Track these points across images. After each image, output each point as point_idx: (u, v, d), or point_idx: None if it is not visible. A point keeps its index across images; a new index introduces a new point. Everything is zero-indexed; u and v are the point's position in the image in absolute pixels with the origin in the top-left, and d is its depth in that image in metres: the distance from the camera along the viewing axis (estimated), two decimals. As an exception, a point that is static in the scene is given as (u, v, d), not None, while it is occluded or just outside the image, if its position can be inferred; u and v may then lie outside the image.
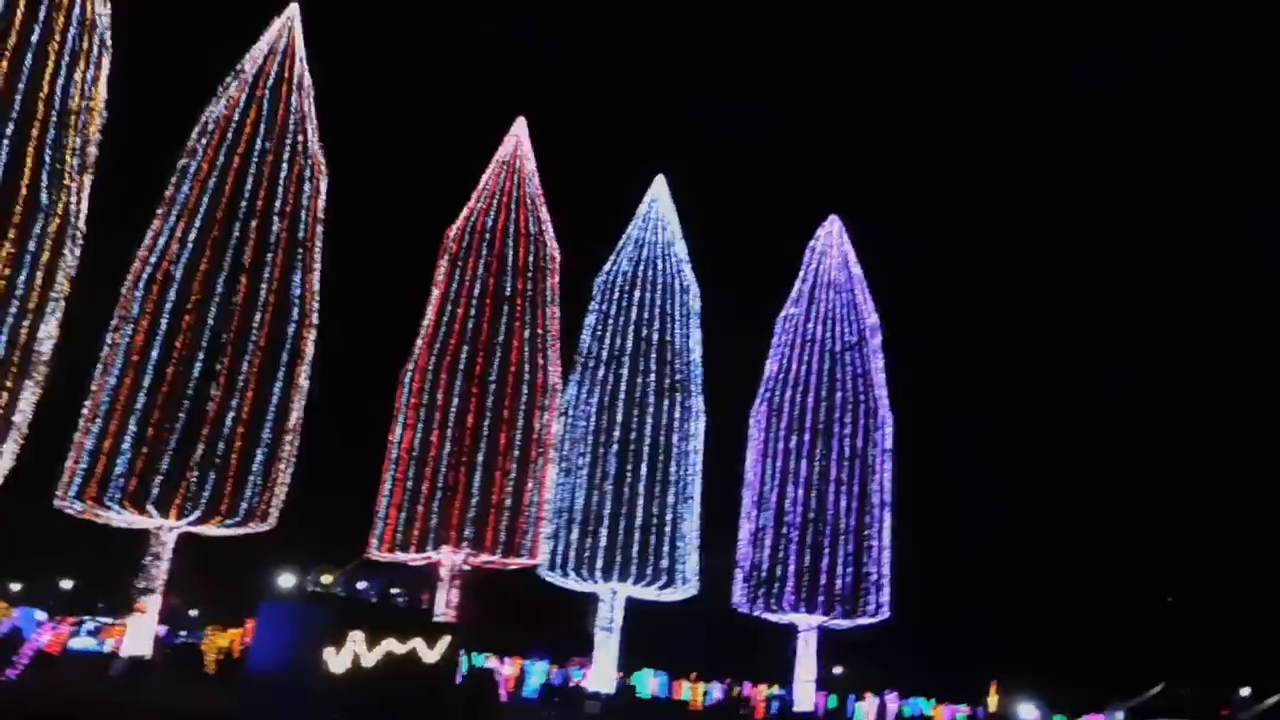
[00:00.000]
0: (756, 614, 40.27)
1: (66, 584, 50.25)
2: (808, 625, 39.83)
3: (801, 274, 44.84)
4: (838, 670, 53.76)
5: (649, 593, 38.51)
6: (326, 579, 18.72)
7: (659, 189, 43.90)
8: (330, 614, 16.71)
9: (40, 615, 32.68)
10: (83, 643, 34.92)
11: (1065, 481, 51.21)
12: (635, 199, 43.91)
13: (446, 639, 17.98)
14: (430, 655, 17.62)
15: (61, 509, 28.38)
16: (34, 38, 23.67)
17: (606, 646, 38.09)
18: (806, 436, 41.04)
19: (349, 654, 16.06)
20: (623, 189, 44.97)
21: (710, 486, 41.28)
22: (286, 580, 29.82)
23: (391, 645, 16.81)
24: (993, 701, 45.87)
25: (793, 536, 39.99)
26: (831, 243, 45.03)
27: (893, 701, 47.37)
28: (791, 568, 39.63)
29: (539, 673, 39.46)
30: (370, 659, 16.44)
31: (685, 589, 39.13)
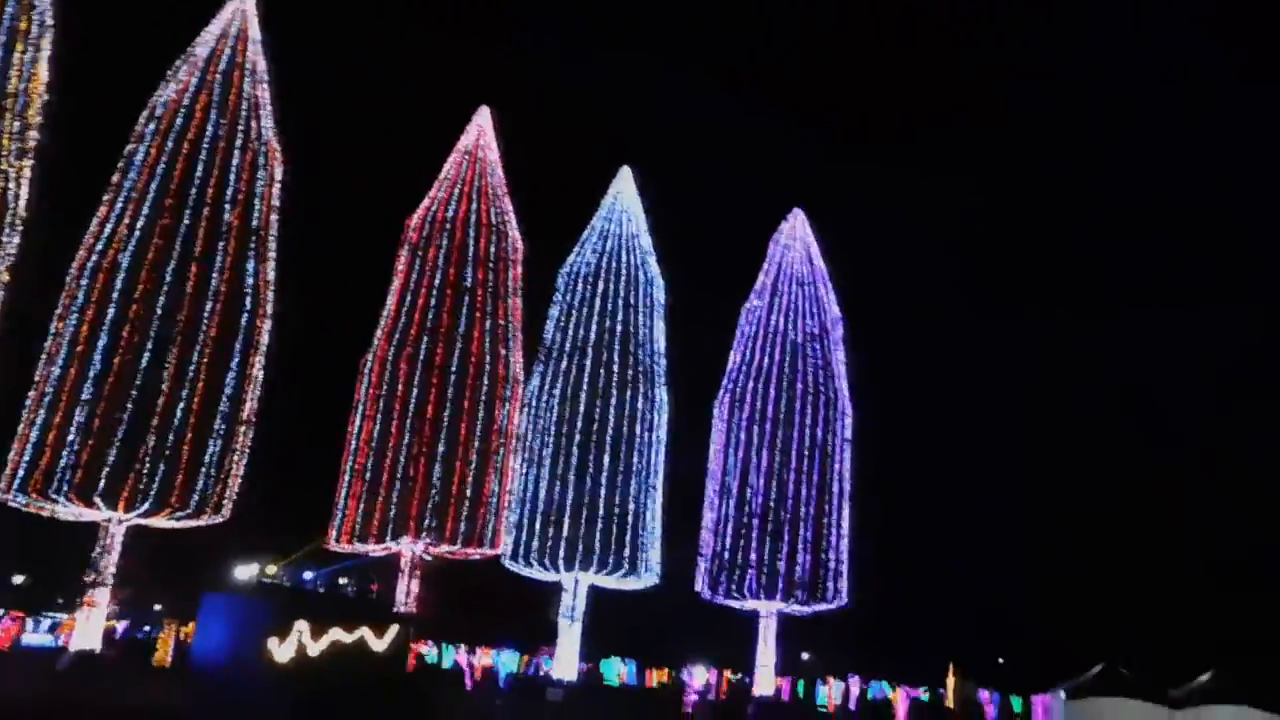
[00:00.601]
0: (718, 601, 40.68)
1: (19, 579, 49.16)
2: (768, 611, 40.34)
3: (765, 267, 45.16)
4: (805, 656, 54.64)
5: (611, 581, 38.70)
6: (271, 569, 18.55)
7: (624, 181, 43.84)
8: (272, 605, 16.58)
9: None
10: (40, 639, 34.31)
11: (1025, 466, 52.36)
12: (602, 190, 43.85)
13: (395, 628, 17.95)
14: (378, 644, 17.60)
15: (4, 502, 27.75)
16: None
17: (570, 635, 38.23)
18: (768, 426, 41.42)
19: (293, 644, 15.99)
20: (590, 180, 44.85)
21: (674, 476, 41.59)
22: (245, 571, 29.49)
23: (338, 635, 16.75)
24: (950, 683, 46.81)
25: (754, 525, 40.43)
26: (795, 236, 45.38)
27: (855, 685, 48.16)
28: (753, 556, 40.07)
29: (509, 663, 39.57)
30: (316, 649, 16.38)
31: (648, 577, 39.39)
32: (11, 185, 24.24)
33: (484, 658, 39.69)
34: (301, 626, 16.08)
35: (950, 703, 45.24)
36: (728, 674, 45.93)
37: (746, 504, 40.78)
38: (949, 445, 53.74)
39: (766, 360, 42.86)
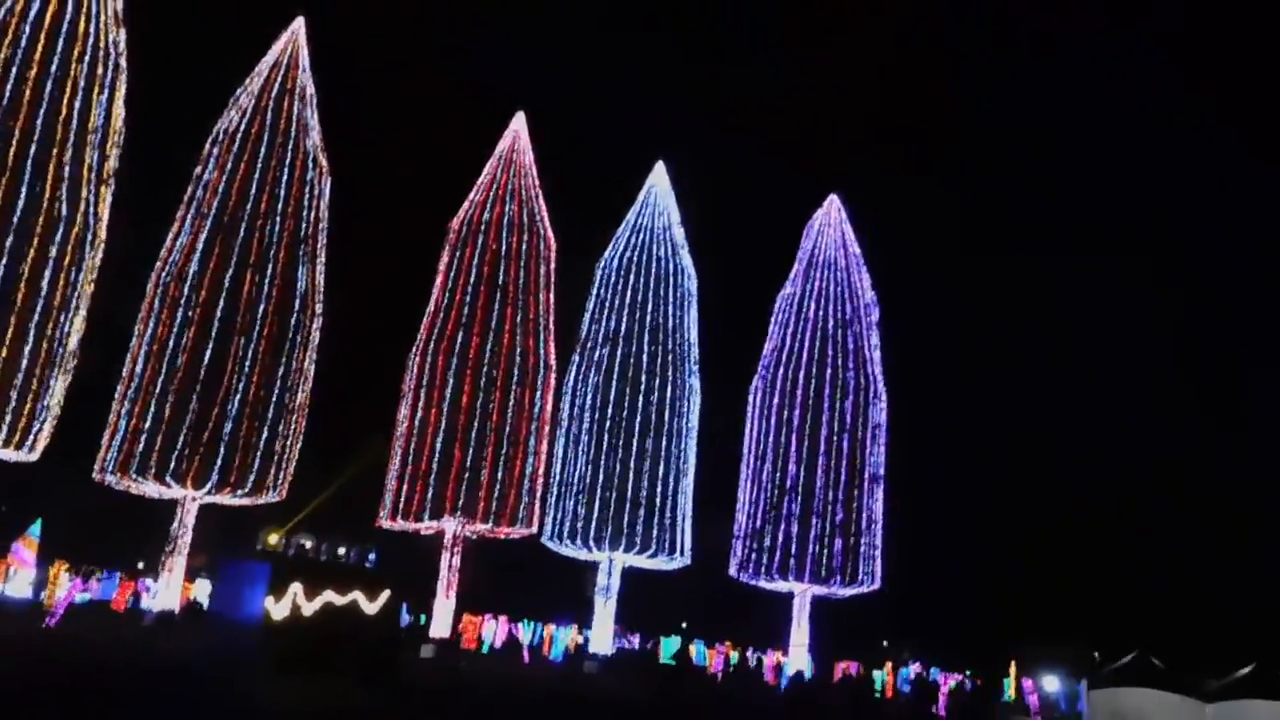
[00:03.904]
0: (750, 581, 41.86)
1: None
2: (801, 592, 41.21)
3: (799, 253, 45.60)
4: (885, 644, 54.97)
5: (644, 561, 40.61)
6: (272, 539, 21.36)
7: (658, 175, 45.30)
8: (270, 568, 19.33)
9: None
10: (150, 602, 39.54)
11: (1067, 458, 50.69)
12: (638, 183, 45.45)
13: (386, 593, 20.39)
14: (370, 607, 20.09)
15: (101, 481, 32.39)
16: (54, 67, 27.00)
17: (605, 611, 40.45)
18: (798, 411, 42.11)
19: (288, 603, 18.66)
20: (626, 173, 46.48)
21: (712, 460, 43.00)
22: (304, 543, 33.06)
23: (330, 596, 19.34)
24: (1013, 674, 46.05)
25: (787, 508, 41.32)
26: (830, 222, 45.54)
27: (914, 671, 48.06)
28: (785, 538, 41.01)
29: (563, 639, 42.21)
30: (309, 608, 19.00)
31: (680, 559, 41.06)
32: (91, 210, 28.30)
33: (545, 631, 42.36)
34: (296, 587, 18.72)
35: (1014, 692, 44.62)
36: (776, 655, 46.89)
37: (780, 487, 41.69)
38: (979, 426, 52.67)
39: (800, 347, 43.45)
